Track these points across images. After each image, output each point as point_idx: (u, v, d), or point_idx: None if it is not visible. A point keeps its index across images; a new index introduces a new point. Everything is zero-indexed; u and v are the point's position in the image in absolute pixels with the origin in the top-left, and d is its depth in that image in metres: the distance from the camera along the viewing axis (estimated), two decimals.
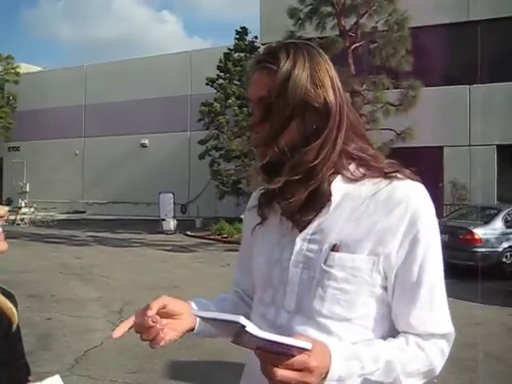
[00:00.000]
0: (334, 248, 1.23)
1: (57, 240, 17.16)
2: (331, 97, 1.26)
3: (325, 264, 1.24)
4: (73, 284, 9.96)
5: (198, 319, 1.31)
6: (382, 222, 1.23)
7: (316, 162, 1.25)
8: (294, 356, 1.04)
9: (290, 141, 1.25)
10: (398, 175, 1.28)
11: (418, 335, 1.26)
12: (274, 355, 1.05)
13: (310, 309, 1.25)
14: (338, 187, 1.26)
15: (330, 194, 1.25)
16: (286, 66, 1.24)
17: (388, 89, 14.76)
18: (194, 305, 1.35)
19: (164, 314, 1.21)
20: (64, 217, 27.34)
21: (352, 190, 1.28)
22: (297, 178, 1.25)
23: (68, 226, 22.71)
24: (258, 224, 1.40)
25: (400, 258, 1.24)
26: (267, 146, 1.26)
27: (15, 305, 1.39)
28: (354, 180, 1.28)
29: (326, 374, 1.09)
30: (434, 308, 1.26)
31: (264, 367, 1.06)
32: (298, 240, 1.28)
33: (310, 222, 1.28)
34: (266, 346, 1.04)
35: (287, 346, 1.02)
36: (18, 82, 32.26)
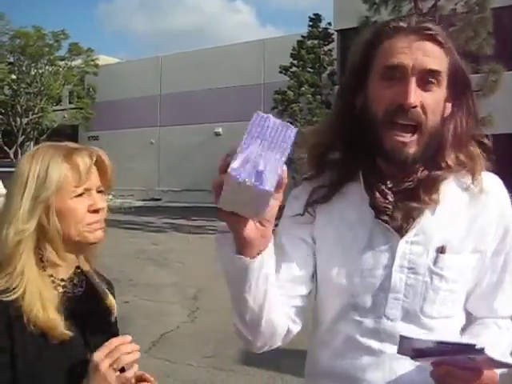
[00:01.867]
0: (442, 250, 1.20)
1: (134, 226, 17.62)
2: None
3: (434, 266, 1.20)
4: (149, 269, 10.20)
5: None
6: (477, 218, 1.22)
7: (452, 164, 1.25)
8: (482, 372, 1.05)
9: (434, 128, 1.20)
10: (481, 169, 1.27)
11: (501, 318, 1.27)
12: (463, 372, 1.05)
13: (420, 312, 1.21)
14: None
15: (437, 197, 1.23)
16: (454, 50, 1.21)
17: None
18: None
19: None
20: (140, 204, 28.05)
21: (447, 186, 1.24)
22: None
23: (144, 212, 23.29)
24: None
25: (492, 248, 1.24)
26: (423, 132, 1.19)
27: (114, 296, 1.44)
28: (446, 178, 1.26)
29: None
30: None
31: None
32: (402, 243, 1.22)
33: (412, 225, 1.22)
34: (457, 361, 1.03)
35: (498, 363, 1.03)
36: (97, 73, 33.08)
